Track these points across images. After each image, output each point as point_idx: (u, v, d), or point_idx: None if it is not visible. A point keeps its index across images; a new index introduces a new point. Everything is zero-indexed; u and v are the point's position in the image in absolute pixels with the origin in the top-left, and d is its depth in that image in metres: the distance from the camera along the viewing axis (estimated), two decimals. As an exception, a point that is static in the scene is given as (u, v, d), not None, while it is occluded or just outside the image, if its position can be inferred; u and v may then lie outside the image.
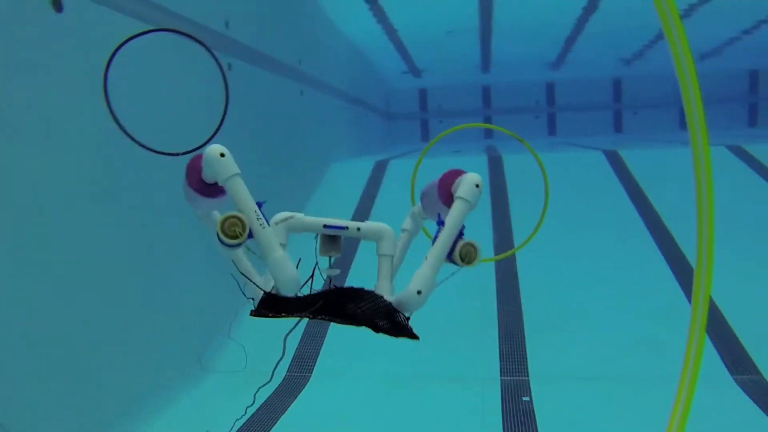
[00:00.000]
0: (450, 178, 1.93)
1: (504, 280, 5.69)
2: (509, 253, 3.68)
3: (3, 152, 2.96)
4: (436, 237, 1.82)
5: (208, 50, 2.23)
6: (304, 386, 4.48)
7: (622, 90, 18.75)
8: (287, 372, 4.66)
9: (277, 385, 4.47)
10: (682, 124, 18.45)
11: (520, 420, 3.90)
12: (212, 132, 2.49)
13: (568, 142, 14.80)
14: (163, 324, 4.30)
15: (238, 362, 3.98)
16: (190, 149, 2.61)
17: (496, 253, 6.01)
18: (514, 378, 4.44)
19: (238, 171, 1.76)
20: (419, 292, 1.74)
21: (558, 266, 5.91)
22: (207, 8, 5.25)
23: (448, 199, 1.90)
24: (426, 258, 1.80)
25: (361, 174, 8.91)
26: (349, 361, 4.69)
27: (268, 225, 1.75)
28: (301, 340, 4.94)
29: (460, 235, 1.83)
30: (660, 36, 12.93)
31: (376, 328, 1.79)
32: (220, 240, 1.69)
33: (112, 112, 2.08)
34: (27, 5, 3.17)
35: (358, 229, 1.86)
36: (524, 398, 4.16)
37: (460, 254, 1.82)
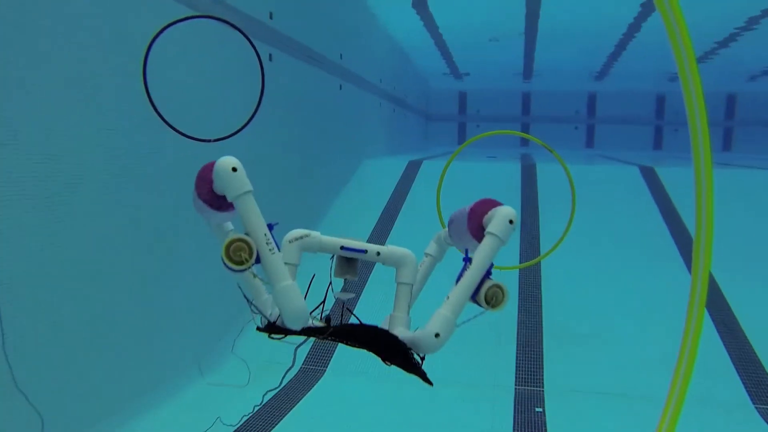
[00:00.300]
0: (482, 209, 1.77)
1: (527, 288, 5.65)
2: (532, 262, 3.64)
3: (11, 141, 2.98)
4: (461, 275, 1.69)
5: (246, 37, 2.26)
6: (318, 380, 4.51)
7: (664, 106, 18.46)
8: (303, 364, 4.70)
9: (292, 376, 4.51)
10: (725, 145, 18.20)
11: (531, 431, 3.88)
12: (246, 120, 2.51)
13: (604, 155, 14.62)
14: (169, 317, 4.34)
15: (241, 374, 3.95)
16: (221, 136, 2.64)
17: (522, 261, 5.97)
18: (529, 388, 4.41)
19: (250, 188, 1.63)
20: (437, 335, 1.61)
21: (583, 279, 5.84)
22: (252, -2, 5.31)
23: (477, 231, 1.76)
24: (448, 297, 1.65)
25: (393, 172, 8.92)
26: (364, 359, 4.70)
27: (279, 249, 1.63)
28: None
29: (488, 274, 1.68)
30: (706, 56, 12.71)
31: (389, 359, 1.69)
32: (224, 264, 1.60)
33: (149, 95, 2.12)
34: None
35: (378, 253, 1.74)
36: (537, 409, 4.13)
37: (486, 296, 1.67)
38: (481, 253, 1.67)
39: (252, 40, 1.99)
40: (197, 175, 1.75)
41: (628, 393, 4.36)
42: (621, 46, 12.32)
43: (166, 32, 2.14)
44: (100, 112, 3.47)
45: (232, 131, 2.31)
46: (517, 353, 4.79)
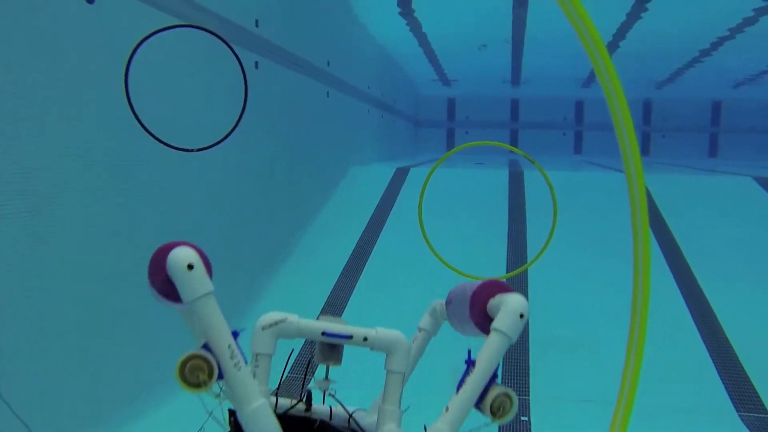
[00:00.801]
0: (486, 293, 1.55)
1: (513, 297, 5.65)
2: (517, 271, 3.64)
3: (20, 139, 2.99)
4: (462, 380, 1.47)
5: (228, 45, 2.25)
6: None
7: (651, 112, 18.60)
8: (288, 373, 4.66)
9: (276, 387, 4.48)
10: (712, 151, 18.35)
11: (517, 440, 3.88)
12: (230, 129, 2.50)
13: (592, 161, 14.69)
14: (165, 319, 4.32)
15: None
16: (205, 146, 2.61)
17: (509, 268, 5.97)
18: (515, 397, 4.41)
19: (210, 288, 1.39)
20: None
21: (569, 287, 5.86)
22: (238, 6, 5.30)
23: (480, 318, 1.55)
24: (447, 409, 1.44)
25: (381, 179, 8.92)
26: (348, 369, 4.68)
27: (246, 363, 1.41)
28: (304, 343, 4.94)
29: (494, 377, 1.47)
30: (693, 62, 12.82)
31: None
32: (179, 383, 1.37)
33: (130, 103, 2.11)
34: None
35: (365, 338, 1.52)
36: (522, 418, 4.13)
37: (492, 406, 1.45)
38: (485, 355, 1.46)
39: (238, 47, 1.99)
40: (151, 258, 1.48)
41: (612, 400, 4.37)
42: (608, 52, 12.41)
43: (149, 41, 2.13)
44: (93, 117, 3.46)
45: (217, 140, 2.29)
46: (502, 362, 4.79)
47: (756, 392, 4.42)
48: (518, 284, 5.81)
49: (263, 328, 1.46)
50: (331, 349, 1.56)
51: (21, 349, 3.05)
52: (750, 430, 4.05)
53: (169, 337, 4.27)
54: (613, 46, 11.66)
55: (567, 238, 5.57)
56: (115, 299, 3.76)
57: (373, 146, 12.16)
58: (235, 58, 2.24)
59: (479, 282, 1.57)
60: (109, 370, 3.69)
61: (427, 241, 2.29)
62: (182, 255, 1.38)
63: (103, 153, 3.61)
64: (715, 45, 11.28)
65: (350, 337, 1.52)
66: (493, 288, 1.56)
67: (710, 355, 4.84)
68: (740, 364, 4.72)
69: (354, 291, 5.55)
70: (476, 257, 5.94)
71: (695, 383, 4.54)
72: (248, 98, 2.30)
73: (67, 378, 3.37)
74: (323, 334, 1.51)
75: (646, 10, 9.08)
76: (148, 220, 4.07)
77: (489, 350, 1.46)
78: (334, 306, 5.52)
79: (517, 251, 6.51)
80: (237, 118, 2.26)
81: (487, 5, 9.43)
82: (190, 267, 1.37)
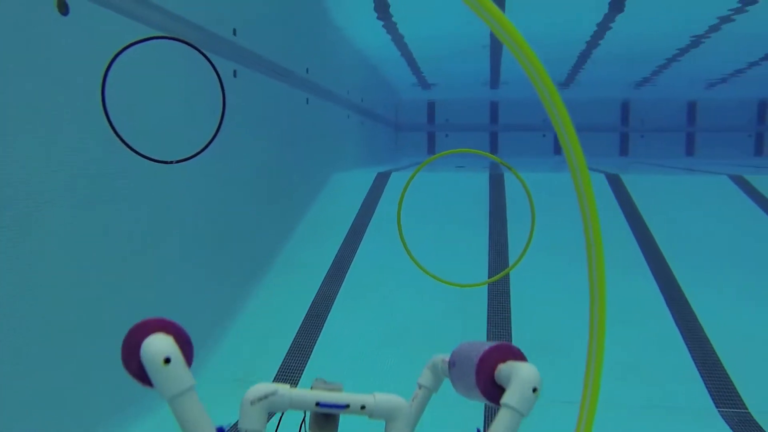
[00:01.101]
0: (495, 359, 1.42)
1: (495, 301, 5.69)
2: (497, 277, 3.67)
3: (1, 154, 2.99)
4: None
5: (205, 56, 2.26)
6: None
7: (630, 113, 18.83)
8: (273, 381, 4.66)
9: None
10: (689, 149, 18.57)
11: (501, 442, 3.89)
12: (209, 140, 2.51)
13: (572, 162, 14.82)
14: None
15: None
16: (183, 158, 2.62)
17: (491, 271, 6.01)
18: (498, 400, 4.44)
19: (191, 383, 1.27)
20: None
21: (551, 289, 5.90)
22: (216, 15, 5.29)
23: (488, 385, 1.42)
24: None
25: (362, 185, 8.94)
26: (334, 378, 4.68)
27: None
28: (288, 351, 4.95)
29: None
30: (670, 62, 13.00)
31: None
32: None
33: (108, 116, 2.11)
34: (32, 7, 3.22)
35: (363, 407, 1.40)
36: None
37: None
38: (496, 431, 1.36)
39: (216, 57, 1.99)
40: (123, 340, 1.34)
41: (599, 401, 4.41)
42: (585, 54, 12.55)
43: (126, 53, 2.14)
44: (64, 130, 3.45)
45: (195, 151, 2.30)
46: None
47: (735, 388, 4.50)
48: (500, 288, 5.86)
49: (252, 403, 1.33)
50: (326, 419, 1.45)
51: (21, 353, 3.03)
52: (729, 425, 4.12)
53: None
54: (591, 47, 11.80)
55: (548, 239, 5.63)
56: (112, 302, 3.76)
57: (354, 152, 12.18)
58: (212, 68, 2.26)
59: (486, 346, 1.45)
60: (110, 372, 3.68)
61: (407, 249, 2.30)
62: (158, 347, 1.25)
63: (89, 162, 3.61)
64: (692, 44, 11.46)
65: (347, 406, 1.41)
66: (502, 353, 1.43)
67: (690, 353, 4.91)
68: (719, 361, 4.80)
69: (336, 299, 5.55)
70: (458, 261, 5.99)
71: (675, 380, 4.60)
72: (228, 108, 2.31)
73: (68, 379, 3.37)
74: (318, 404, 1.40)
75: (623, 10, 9.20)
76: (142, 222, 4.09)
77: (500, 429, 1.34)
78: (317, 316, 5.52)
79: (498, 254, 6.55)
80: (216, 128, 2.27)
81: (465, 8, 9.47)
82: (167, 361, 1.24)
